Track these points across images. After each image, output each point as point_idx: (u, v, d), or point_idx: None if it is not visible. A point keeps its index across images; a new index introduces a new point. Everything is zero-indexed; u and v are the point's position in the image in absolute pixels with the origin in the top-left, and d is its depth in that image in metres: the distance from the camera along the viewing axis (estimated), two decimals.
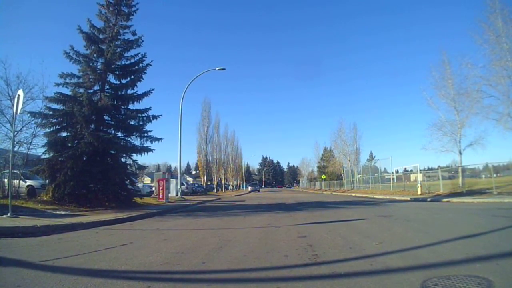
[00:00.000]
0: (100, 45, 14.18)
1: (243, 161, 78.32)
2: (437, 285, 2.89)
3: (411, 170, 29.78)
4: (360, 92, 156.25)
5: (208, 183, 46.10)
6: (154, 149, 14.81)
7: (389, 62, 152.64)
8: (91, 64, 13.86)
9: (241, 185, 74.24)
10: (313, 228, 7.21)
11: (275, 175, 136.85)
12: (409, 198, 18.59)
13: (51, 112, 12.69)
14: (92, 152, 12.36)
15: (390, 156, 59.44)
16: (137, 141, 14.59)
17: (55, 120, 12.72)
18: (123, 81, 14.77)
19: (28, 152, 13.58)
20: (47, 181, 12.93)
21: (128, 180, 14.53)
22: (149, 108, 14.78)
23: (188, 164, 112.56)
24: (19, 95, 8.62)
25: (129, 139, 14.56)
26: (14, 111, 8.89)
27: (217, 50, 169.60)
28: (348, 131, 43.68)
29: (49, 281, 3.25)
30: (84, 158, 12.62)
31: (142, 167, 16.52)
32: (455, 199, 15.30)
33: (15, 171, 11.53)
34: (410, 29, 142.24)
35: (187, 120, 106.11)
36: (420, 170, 28.72)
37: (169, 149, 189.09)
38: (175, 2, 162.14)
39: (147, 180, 50.38)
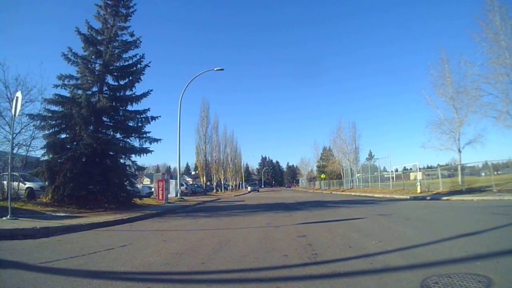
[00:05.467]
0: (98, 47, 14.18)
1: (242, 161, 78.43)
2: (437, 283, 2.89)
3: (411, 169, 29.90)
4: (359, 91, 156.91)
5: (208, 183, 46.06)
6: (153, 150, 14.86)
7: (388, 60, 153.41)
8: (89, 65, 13.85)
9: (240, 185, 74.20)
10: (312, 227, 7.20)
11: (274, 175, 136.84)
12: (408, 197, 18.61)
13: (49, 114, 12.67)
14: (91, 153, 12.34)
15: (389, 155, 59.45)
16: (136, 142, 14.62)
17: (53, 122, 12.70)
18: (122, 82, 14.77)
19: (27, 154, 13.62)
20: (46, 183, 12.93)
21: (128, 181, 14.51)
22: (148, 109, 14.81)
23: (187, 164, 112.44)
24: (17, 97, 8.60)
25: (128, 140, 14.56)
26: (13, 113, 8.87)
27: (216, 50, 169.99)
28: (347, 130, 43.75)
29: (48, 283, 3.24)
30: (83, 160, 12.59)
31: (141, 168, 16.51)
32: (454, 197, 15.32)
33: (14, 173, 11.53)
34: (409, 27, 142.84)
35: (186, 120, 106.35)
36: (419, 168, 28.81)
37: (168, 150, 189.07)
38: (173, 2, 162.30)
39: (146, 181, 50.31)
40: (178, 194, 23.32)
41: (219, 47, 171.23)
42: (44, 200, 11.92)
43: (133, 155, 14.66)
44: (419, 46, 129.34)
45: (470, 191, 17.08)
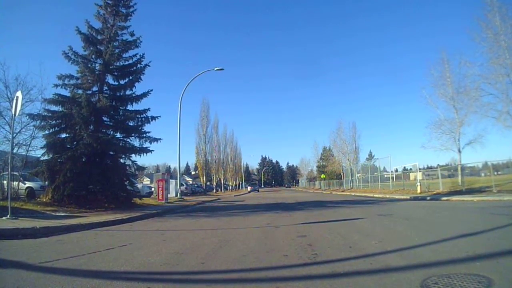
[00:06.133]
0: (98, 46, 14.18)
1: (242, 161, 78.41)
2: (437, 283, 2.89)
3: (411, 169, 29.85)
4: (359, 91, 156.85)
5: (208, 183, 46.08)
6: (153, 150, 14.85)
7: (388, 61, 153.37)
8: (89, 65, 13.86)
9: (240, 185, 74.24)
10: (312, 227, 7.20)
11: (274, 175, 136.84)
12: (408, 197, 18.60)
13: (49, 114, 12.67)
14: (91, 153, 12.34)
15: (389, 155, 59.43)
16: (136, 142, 14.61)
17: (54, 121, 12.70)
18: (122, 82, 14.77)
19: (27, 154, 13.62)
20: (46, 182, 12.92)
21: (128, 181, 14.51)
22: (148, 109, 14.80)
23: (187, 164, 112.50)
24: (17, 97, 8.60)
25: (128, 140, 14.55)
26: (13, 113, 8.86)
27: (216, 50, 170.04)
28: (347, 130, 43.84)
29: (48, 283, 3.24)
30: (83, 160, 12.59)
31: (141, 168, 16.50)
32: (454, 198, 15.31)
33: (14, 173, 11.52)
34: (409, 27, 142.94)
35: (186, 120, 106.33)
36: (419, 168, 28.80)
37: (168, 149, 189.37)
38: (173, 2, 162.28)
39: (146, 180, 50.29)
40: (178, 194, 23.31)
41: (219, 47, 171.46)
42: (44, 200, 11.91)
43: (133, 155, 14.67)
44: (419, 46, 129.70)
45: (470, 191, 17.06)
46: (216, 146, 49.59)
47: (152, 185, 27.34)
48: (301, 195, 32.90)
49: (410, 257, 4.00)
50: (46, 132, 12.75)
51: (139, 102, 14.72)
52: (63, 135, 13.11)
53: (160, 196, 18.89)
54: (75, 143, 12.77)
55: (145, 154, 14.64)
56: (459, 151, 20.06)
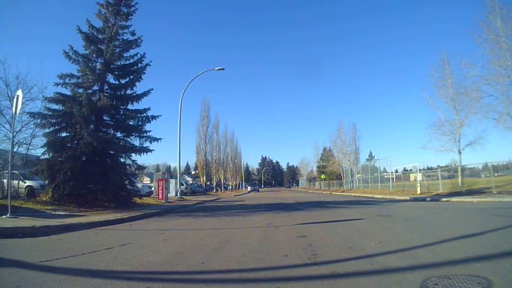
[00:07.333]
0: (99, 45, 14.17)
1: (243, 161, 78.41)
2: (437, 284, 2.89)
3: (411, 170, 29.84)
4: (360, 91, 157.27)
5: (208, 183, 46.08)
6: (153, 149, 14.84)
7: (389, 61, 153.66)
8: (90, 64, 13.86)
9: (240, 185, 74.21)
10: (312, 228, 7.20)
11: (274, 175, 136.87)
12: (408, 198, 18.59)
13: (50, 113, 12.67)
14: (91, 152, 12.34)
15: (389, 156, 59.63)
16: (136, 141, 14.61)
17: (54, 120, 12.70)
18: (122, 81, 14.76)
19: (28, 153, 13.60)
20: (46, 181, 12.92)
21: (128, 180, 14.51)
22: (148, 108, 14.80)
23: (187, 164, 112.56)
24: (18, 96, 8.60)
25: (128, 139, 14.55)
26: (13, 112, 8.87)
27: (217, 50, 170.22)
28: (348, 130, 43.80)
29: (48, 281, 3.24)
30: (84, 159, 12.59)
31: (141, 167, 16.50)
32: (454, 199, 15.30)
33: (14, 171, 11.53)
34: (409, 28, 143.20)
35: (186, 120, 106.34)
36: (419, 169, 28.63)
37: (168, 149, 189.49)
38: (174, 2, 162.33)
39: (146, 180, 50.26)
40: (178, 194, 23.32)
41: (219, 47, 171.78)
42: (44, 199, 11.90)
43: (133, 154, 14.67)
44: (420, 47, 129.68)
45: (470, 192, 17.05)
46: (216, 146, 49.66)
47: (152, 185, 27.37)
48: (301, 195, 32.89)
49: (410, 258, 4.00)
50: (47, 130, 12.74)
51: (139, 101, 14.74)
52: (64, 134, 13.10)
53: (160, 196, 18.91)
54: (75, 142, 12.78)
55: (145, 153, 14.65)
56: (459, 152, 20.05)
